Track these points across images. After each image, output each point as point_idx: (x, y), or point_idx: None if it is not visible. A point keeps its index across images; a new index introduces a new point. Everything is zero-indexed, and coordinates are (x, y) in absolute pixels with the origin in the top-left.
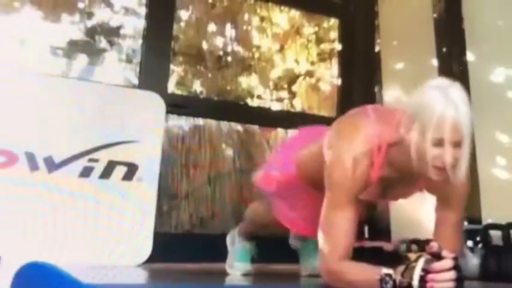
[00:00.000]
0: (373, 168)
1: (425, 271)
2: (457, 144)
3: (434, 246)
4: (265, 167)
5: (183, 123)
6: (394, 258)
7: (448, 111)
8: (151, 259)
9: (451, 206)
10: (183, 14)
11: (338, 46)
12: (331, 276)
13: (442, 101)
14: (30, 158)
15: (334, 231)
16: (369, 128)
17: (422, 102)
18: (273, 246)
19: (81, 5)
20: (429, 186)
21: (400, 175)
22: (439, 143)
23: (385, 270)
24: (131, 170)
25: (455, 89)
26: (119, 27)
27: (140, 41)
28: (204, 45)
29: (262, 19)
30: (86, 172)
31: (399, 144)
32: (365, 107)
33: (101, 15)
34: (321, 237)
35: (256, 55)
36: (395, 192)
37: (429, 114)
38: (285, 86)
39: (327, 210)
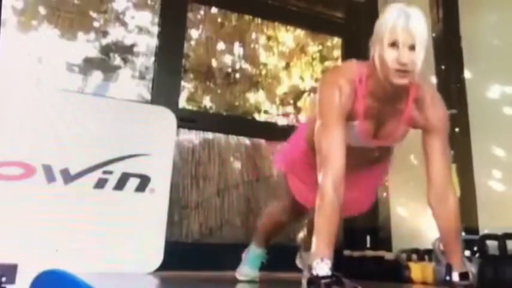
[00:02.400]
0: (357, 98)
1: None
2: (411, 48)
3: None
4: (280, 148)
5: (193, 137)
6: (394, 267)
7: (401, 18)
8: (162, 267)
9: (435, 133)
10: (194, 33)
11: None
12: (320, 199)
13: (396, 12)
14: (47, 170)
15: (329, 146)
16: (350, 65)
17: (381, 19)
18: (280, 255)
19: (96, 24)
20: (413, 119)
21: (383, 104)
22: (393, 44)
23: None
24: (144, 182)
25: (412, 9)
26: (132, 45)
27: (153, 59)
28: (214, 63)
29: (269, 38)
30: (101, 184)
31: (373, 69)
32: None
33: (116, 33)
34: (318, 153)
35: (263, 72)
36: (386, 129)
37: (384, 24)
38: (291, 101)
39: (318, 133)
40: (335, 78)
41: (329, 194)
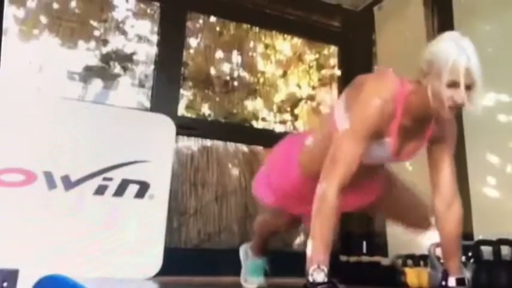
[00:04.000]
0: (395, 116)
1: None
2: (468, 87)
3: None
4: (262, 176)
5: (192, 144)
6: (390, 273)
7: (462, 58)
8: (161, 272)
9: (447, 145)
10: (193, 42)
11: (338, 72)
12: (320, 202)
13: (456, 49)
14: (48, 176)
15: (342, 154)
16: (393, 79)
17: (439, 51)
18: (285, 260)
19: (96, 33)
20: (433, 135)
21: (415, 124)
22: (452, 84)
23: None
24: (143, 188)
25: (466, 41)
26: (132, 54)
27: (152, 67)
28: (212, 71)
29: (266, 46)
30: (101, 190)
31: (417, 92)
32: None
33: (115, 42)
34: (329, 156)
35: (261, 80)
36: (409, 147)
37: (445, 60)
38: (288, 109)
39: (341, 141)
40: (380, 92)
41: (331, 198)
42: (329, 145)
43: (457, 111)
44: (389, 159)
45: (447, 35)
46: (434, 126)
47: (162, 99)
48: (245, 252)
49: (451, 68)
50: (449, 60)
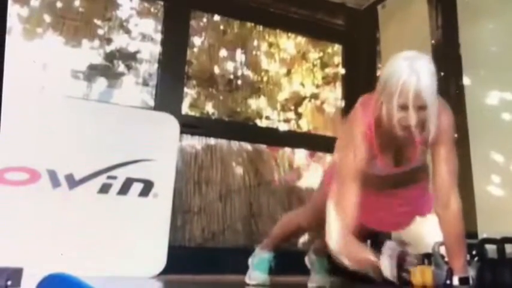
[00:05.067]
0: (372, 145)
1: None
2: (421, 108)
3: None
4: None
5: (196, 142)
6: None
7: (411, 79)
8: (165, 271)
9: (440, 142)
10: (196, 40)
11: (342, 70)
12: (339, 248)
13: (407, 70)
14: (52, 175)
15: (342, 205)
16: (358, 114)
17: (391, 71)
18: (290, 259)
19: (100, 32)
20: (425, 136)
21: (397, 138)
22: (404, 107)
23: (374, 259)
24: (147, 187)
25: (421, 61)
26: (136, 52)
27: (156, 66)
28: (216, 70)
29: (270, 45)
30: (105, 188)
31: (381, 115)
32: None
33: (119, 41)
34: (330, 211)
35: (265, 79)
36: (404, 156)
37: (395, 83)
38: (292, 107)
39: (338, 188)
40: (351, 133)
41: (342, 243)
42: None
43: (414, 131)
44: (391, 171)
45: (402, 54)
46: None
47: (166, 98)
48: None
49: (401, 90)
50: (399, 81)
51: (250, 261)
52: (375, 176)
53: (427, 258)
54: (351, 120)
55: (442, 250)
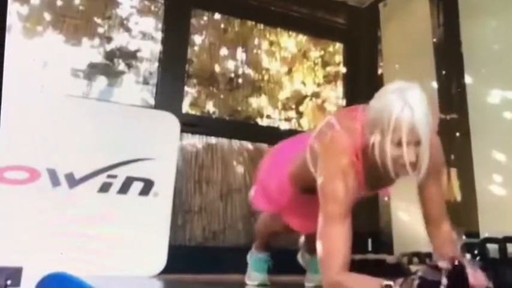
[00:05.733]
0: (358, 173)
1: (422, 279)
2: (415, 144)
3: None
4: (259, 186)
5: (196, 141)
6: (396, 271)
7: (405, 113)
8: (166, 270)
9: (430, 179)
10: (197, 39)
11: (343, 69)
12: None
13: (399, 104)
14: (52, 174)
15: (333, 243)
16: (343, 140)
17: (382, 106)
18: (289, 258)
19: (100, 30)
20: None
21: (380, 168)
22: (398, 143)
23: (386, 282)
24: (147, 186)
25: (412, 92)
26: (136, 51)
27: (156, 64)
28: (217, 68)
29: (271, 43)
30: (105, 187)
31: (368, 146)
32: (329, 119)
33: (120, 39)
34: (320, 249)
35: (266, 77)
36: (381, 182)
37: (388, 117)
38: (293, 106)
39: (324, 223)
40: (335, 164)
41: (338, 282)
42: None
43: (415, 169)
44: (366, 193)
45: (391, 86)
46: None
47: (167, 97)
48: (251, 251)
49: (394, 126)
50: (392, 116)
51: (248, 258)
52: None
53: (428, 257)
54: (336, 144)
55: None
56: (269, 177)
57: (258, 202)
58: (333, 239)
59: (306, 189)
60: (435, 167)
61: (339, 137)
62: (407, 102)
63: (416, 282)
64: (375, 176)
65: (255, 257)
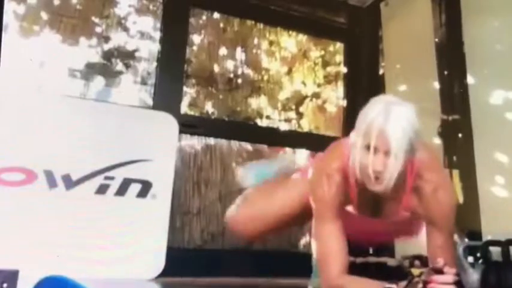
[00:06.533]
0: (349, 184)
1: (425, 282)
2: (385, 153)
3: (440, 261)
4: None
5: (195, 142)
6: (397, 274)
7: (379, 117)
8: (164, 273)
9: (436, 227)
10: (196, 38)
11: (343, 69)
12: None
13: (377, 111)
14: (49, 175)
15: (327, 243)
16: (340, 148)
17: (364, 111)
18: (291, 261)
19: (98, 30)
20: (412, 208)
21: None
22: (366, 148)
23: (388, 285)
24: (145, 188)
25: (399, 107)
26: (134, 51)
27: (155, 64)
28: (216, 68)
29: (271, 43)
30: (102, 189)
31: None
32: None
33: (118, 39)
34: (315, 250)
35: (265, 77)
36: (386, 209)
37: (363, 121)
38: (293, 107)
39: (316, 223)
40: (324, 166)
41: (338, 286)
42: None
43: (381, 182)
44: (369, 220)
45: (384, 97)
46: (412, 197)
47: (165, 97)
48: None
49: (365, 129)
50: (366, 120)
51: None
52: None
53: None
54: (332, 151)
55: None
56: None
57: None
58: (326, 238)
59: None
60: (439, 215)
61: (338, 144)
62: (387, 110)
63: (420, 285)
64: (368, 195)
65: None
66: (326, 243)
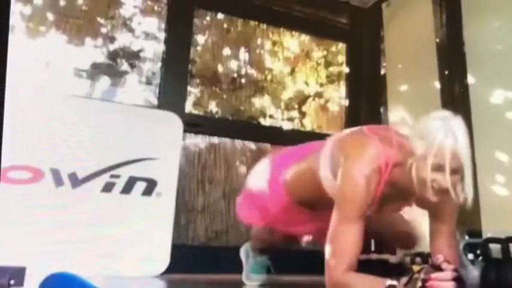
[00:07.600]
0: (379, 185)
1: (424, 280)
2: (455, 171)
3: (439, 258)
4: (247, 196)
5: (199, 141)
6: (399, 271)
7: (448, 140)
8: (169, 270)
9: (443, 220)
10: (200, 39)
11: (346, 69)
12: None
13: (443, 130)
14: (56, 174)
15: (343, 244)
16: (375, 146)
17: (425, 131)
18: (292, 258)
19: (103, 30)
20: (419, 202)
21: (398, 193)
22: (438, 168)
23: (390, 282)
24: (150, 186)
25: (456, 121)
26: (139, 51)
27: (159, 64)
28: (220, 68)
29: (274, 43)
30: (108, 187)
31: (402, 165)
32: (360, 128)
33: (123, 39)
34: (328, 249)
35: (269, 77)
36: (390, 207)
37: (431, 142)
38: (296, 106)
39: (338, 224)
40: (361, 165)
41: (342, 282)
42: (314, 180)
43: (443, 195)
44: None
45: (435, 114)
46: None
47: (170, 97)
48: (246, 251)
49: (437, 151)
50: (435, 141)
51: (242, 254)
52: None
53: (431, 257)
54: (368, 149)
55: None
56: (260, 187)
57: (244, 214)
58: (347, 238)
59: (303, 201)
60: (447, 208)
61: (372, 143)
62: (451, 129)
63: (420, 282)
64: (391, 195)
65: (253, 260)
66: (346, 241)
